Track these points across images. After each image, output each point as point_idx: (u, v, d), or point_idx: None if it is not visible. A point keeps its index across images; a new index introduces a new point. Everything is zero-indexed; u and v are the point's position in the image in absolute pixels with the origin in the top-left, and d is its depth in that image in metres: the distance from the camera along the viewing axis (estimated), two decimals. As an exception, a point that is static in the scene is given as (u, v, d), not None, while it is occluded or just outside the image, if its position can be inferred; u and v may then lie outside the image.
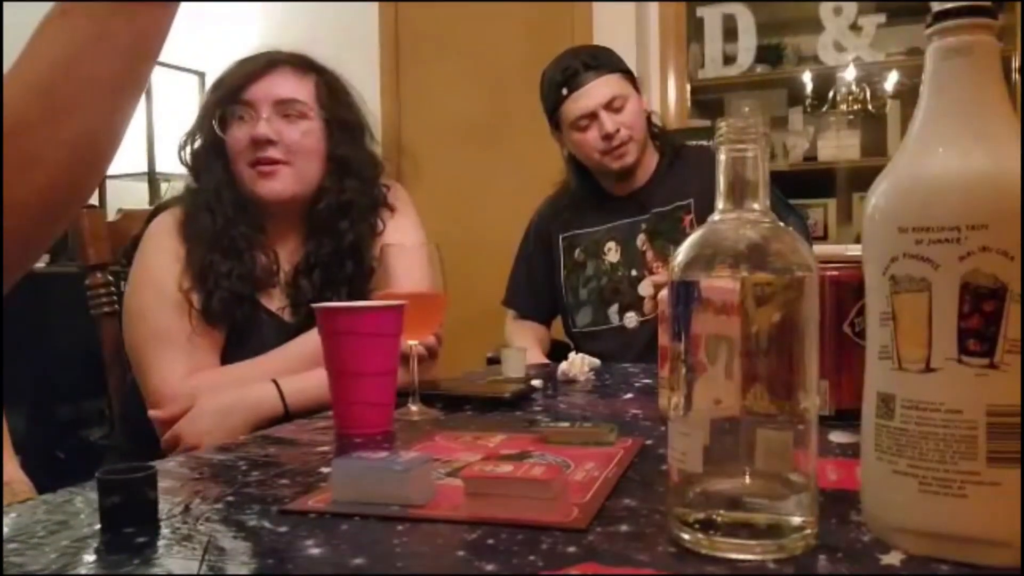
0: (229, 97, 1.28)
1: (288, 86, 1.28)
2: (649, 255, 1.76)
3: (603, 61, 1.75)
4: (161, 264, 1.25)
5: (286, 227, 1.33)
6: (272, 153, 1.25)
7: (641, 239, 1.78)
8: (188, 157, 1.33)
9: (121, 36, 0.60)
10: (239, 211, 1.28)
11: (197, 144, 1.32)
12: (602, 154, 1.73)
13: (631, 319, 1.76)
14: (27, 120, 0.59)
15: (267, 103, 1.26)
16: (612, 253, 1.79)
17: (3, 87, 0.58)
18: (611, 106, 1.71)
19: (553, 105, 1.77)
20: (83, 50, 0.59)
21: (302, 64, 1.32)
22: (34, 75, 0.59)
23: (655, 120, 1.86)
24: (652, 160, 1.82)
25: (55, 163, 0.60)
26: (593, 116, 1.71)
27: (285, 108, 1.27)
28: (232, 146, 1.28)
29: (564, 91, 1.74)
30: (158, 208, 1.37)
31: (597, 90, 1.71)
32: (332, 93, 1.33)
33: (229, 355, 1.25)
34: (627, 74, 1.78)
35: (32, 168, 0.59)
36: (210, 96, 1.32)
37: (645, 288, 1.76)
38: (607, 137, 1.71)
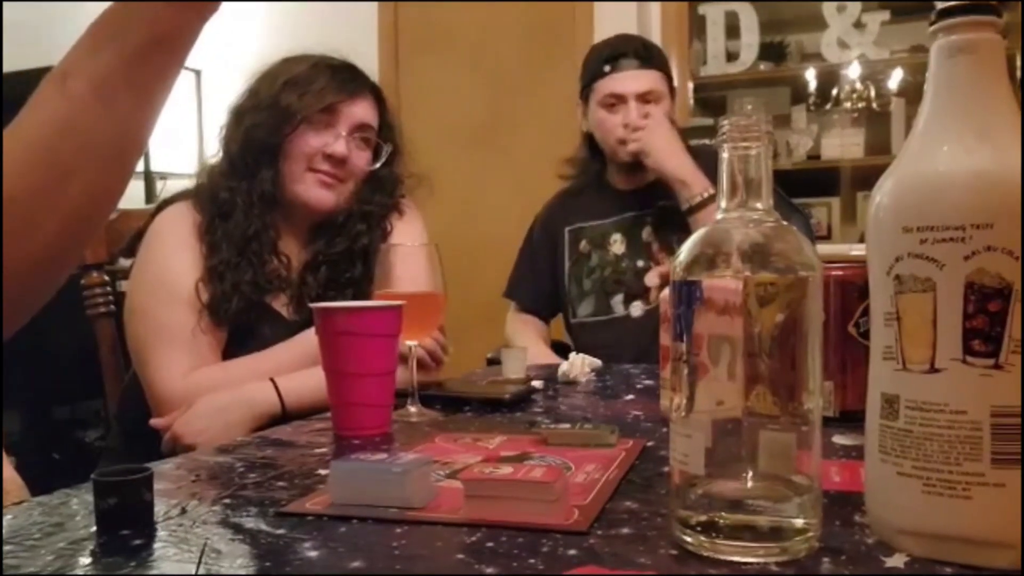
0: (313, 104, 1.26)
1: (370, 114, 1.33)
2: (655, 247, 1.77)
3: (653, 55, 1.79)
4: (170, 260, 1.24)
5: (296, 228, 1.34)
6: (339, 171, 1.29)
7: (647, 231, 1.79)
8: (234, 148, 1.28)
9: (121, 101, 0.60)
10: (270, 214, 1.28)
11: (247, 136, 1.27)
12: (619, 141, 1.75)
13: (636, 307, 1.77)
14: (28, 186, 0.58)
15: (348, 123, 1.30)
16: (617, 244, 1.81)
17: (3, 148, 0.58)
18: (644, 98, 1.74)
19: (591, 77, 1.79)
20: (83, 115, 0.59)
21: (377, 92, 1.37)
22: (34, 141, 0.59)
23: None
24: None
25: (54, 226, 0.60)
26: (623, 100, 1.73)
27: (360, 133, 1.32)
28: (298, 148, 1.27)
29: (607, 68, 1.76)
30: (164, 203, 1.36)
31: (637, 78, 1.73)
32: (388, 119, 1.38)
33: (230, 351, 1.24)
34: (668, 78, 1.81)
35: (30, 233, 0.59)
36: (284, 93, 1.26)
37: (651, 279, 1.77)
38: (628, 127, 1.73)
